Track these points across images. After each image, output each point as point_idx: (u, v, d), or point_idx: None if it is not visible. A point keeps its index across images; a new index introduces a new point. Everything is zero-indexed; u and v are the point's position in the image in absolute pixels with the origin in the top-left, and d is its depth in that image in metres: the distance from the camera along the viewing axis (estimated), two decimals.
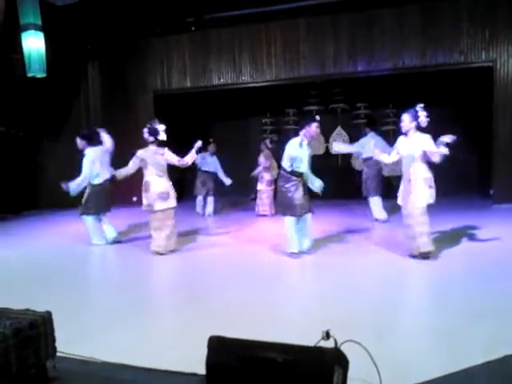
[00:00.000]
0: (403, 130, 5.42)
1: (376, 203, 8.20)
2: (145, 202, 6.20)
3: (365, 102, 11.73)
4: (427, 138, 5.21)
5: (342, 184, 10.95)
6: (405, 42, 9.88)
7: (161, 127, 6.19)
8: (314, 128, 5.57)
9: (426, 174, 5.28)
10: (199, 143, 6.35)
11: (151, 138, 6.19)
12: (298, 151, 5.56)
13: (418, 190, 5.26)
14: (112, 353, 3.02)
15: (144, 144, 6.41)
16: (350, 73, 10.45)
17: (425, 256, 5.36)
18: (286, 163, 5.64)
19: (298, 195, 5.60)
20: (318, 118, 5.71)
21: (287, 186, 5.61)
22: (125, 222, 8.76)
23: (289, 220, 5.66)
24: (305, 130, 5.62)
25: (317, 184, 5.76)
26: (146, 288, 4.83)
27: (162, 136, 6.20)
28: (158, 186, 6.14)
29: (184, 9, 10.35)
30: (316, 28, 10.43)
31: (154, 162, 6.19)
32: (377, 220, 8.10)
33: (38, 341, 2.47)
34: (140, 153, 6.25)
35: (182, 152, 6.60)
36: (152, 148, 6.23)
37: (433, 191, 5.28)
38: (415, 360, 2.89)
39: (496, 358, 2.77)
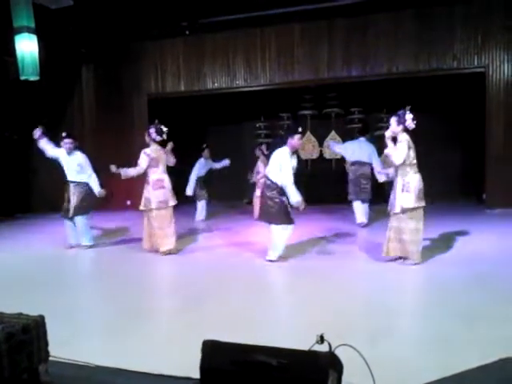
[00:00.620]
0: (392, 134, 5.37)
1: (355, 207, 8.22)
2: (156, 199, 6.21)
3: (359, 106, 11.79)
4: (405, 138, 5.18)
5: (335, 188, 10.96)
6: (399, 47, 9.94)
7: (163, 128, 6.34)
8: (296, 140, 5.61)
9: (405, 178, 5.20)
10: (171, 144, 6.58)
11: (158, 138, 6.31)
12: (289, 162, 5.56)
13: (397, 195, 5.25)
14: (106, 357, 3.00)
15: (139, 145, 6.47)
16: (344, 77, 10.49)
17: (392, 260, 5.44)
18: (275, 176, 5.56)
19: (288, 204, 5.63)
20: (300, 129, 5.73)
21: (281, 195, 5.59)
22: (118, 225, 8.74)
23: (284, 229, 5.63)
24: (288, 142, 5.63)
25: (294, 199, 5.53)
26: (141, 291, 4.80)
27: (165, 136, 6.37)
28: (169, 183, 6.36)
29: (178, 13, 10.35)
30: (310, 33, 10.47)
31: (164, 160, 6.37)
32: (361, 224, 8.10)
33: (30, 345, 2.45)
34: (149, 151, 6.30)
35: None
36: (157, 147, 6.34)
37: (408, 195, 5.15)
38: (410, 364, 2.89)
39: (491, 361, 2.78)
